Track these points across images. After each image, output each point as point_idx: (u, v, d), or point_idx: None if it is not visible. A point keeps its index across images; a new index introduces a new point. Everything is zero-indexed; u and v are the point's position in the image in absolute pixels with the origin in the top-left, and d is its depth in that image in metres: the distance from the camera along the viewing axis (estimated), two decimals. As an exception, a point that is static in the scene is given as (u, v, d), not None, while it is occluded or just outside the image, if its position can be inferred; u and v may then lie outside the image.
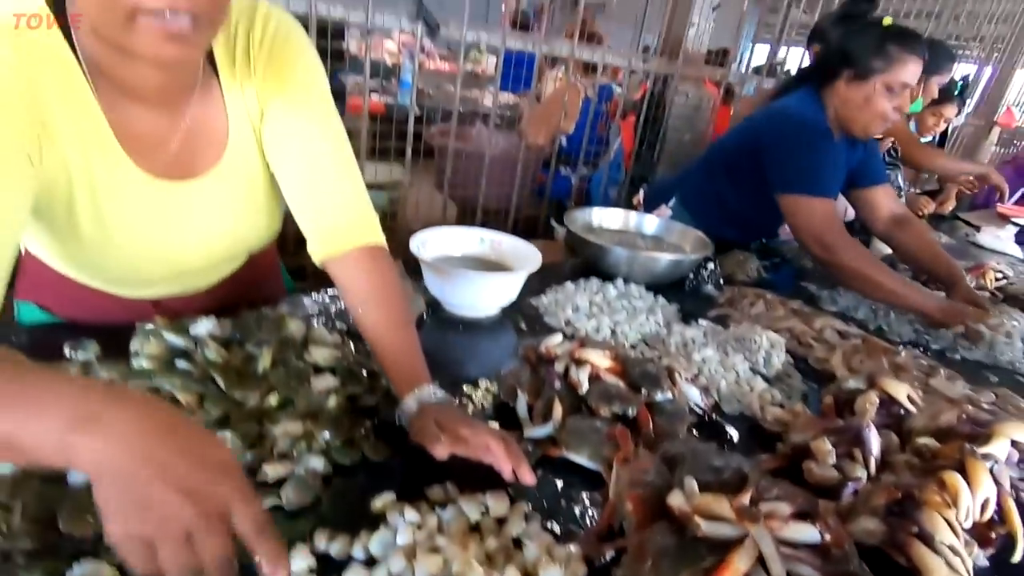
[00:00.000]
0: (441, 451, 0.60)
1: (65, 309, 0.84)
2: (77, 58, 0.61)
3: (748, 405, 0.87)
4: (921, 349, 1.18)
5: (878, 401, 0.83)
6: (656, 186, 1.92)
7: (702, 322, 1.11)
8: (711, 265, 1.34)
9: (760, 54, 3.26)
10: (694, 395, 0.82)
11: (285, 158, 0.76)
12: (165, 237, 0.74)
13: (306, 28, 1.60)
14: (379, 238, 0.79)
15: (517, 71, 3.50)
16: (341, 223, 0.77)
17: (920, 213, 2.44)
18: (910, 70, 1.31)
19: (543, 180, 2.53)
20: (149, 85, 0.65)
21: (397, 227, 2.35)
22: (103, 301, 0.83)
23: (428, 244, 1.07)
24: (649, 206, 1.78)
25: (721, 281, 1.35)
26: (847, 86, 1.37)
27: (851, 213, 1.81)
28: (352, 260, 0.76)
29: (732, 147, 1.60)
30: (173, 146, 0.70)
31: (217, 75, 0.71)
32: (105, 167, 0.66)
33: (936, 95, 2.30)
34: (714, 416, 0.84)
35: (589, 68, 2.57)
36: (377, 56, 3.87)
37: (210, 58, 0.71)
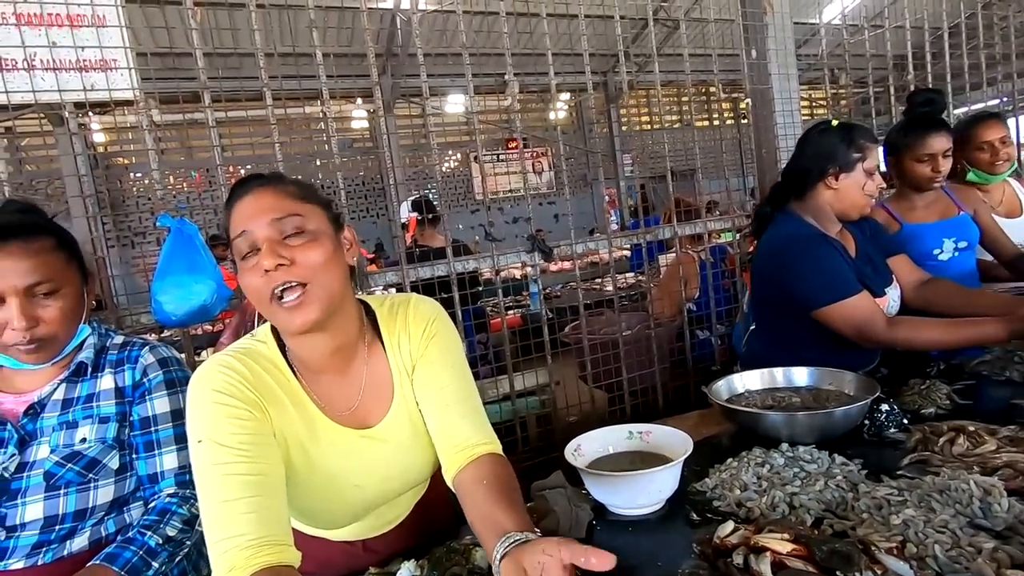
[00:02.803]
0: None
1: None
2: (285, 357, 0.92)
3: (979, 571, 0.75)
4: None
5: None
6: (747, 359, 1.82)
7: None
8: (885, 406, 1.23)
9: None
10: (903, 569, 0.73)
11: (425, 397, 0.98)
12: (356, 471, 0.95)
13: (450, 284, 1.96)
14: (497, 449, 0.94)
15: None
16: (464, 439, 0.94)
17: None
18: (876, 154, 1.57)
19: (682, 348, 2.55)
20: (320, 355, 0.93)
21: (554, 426, 2.45)
22: (322, 546, 1.02)
23: (581, 448, 1.14)
24: None
25: (905, 421, 1.22)
26: (836, 182, 1.54)
27: None
28: (473, 465, 0.91)
29: (759, 298, 1.69)
30: (354, 403, 0.96)
31: (384, 347, 0.99)
32: (307, 423, 0.93)
33: None
34: (939, 592, 0.73)
35: (696, 237, 2.72)
36: (506, 274, 4.42)
37: (379, 337, 0.99)
